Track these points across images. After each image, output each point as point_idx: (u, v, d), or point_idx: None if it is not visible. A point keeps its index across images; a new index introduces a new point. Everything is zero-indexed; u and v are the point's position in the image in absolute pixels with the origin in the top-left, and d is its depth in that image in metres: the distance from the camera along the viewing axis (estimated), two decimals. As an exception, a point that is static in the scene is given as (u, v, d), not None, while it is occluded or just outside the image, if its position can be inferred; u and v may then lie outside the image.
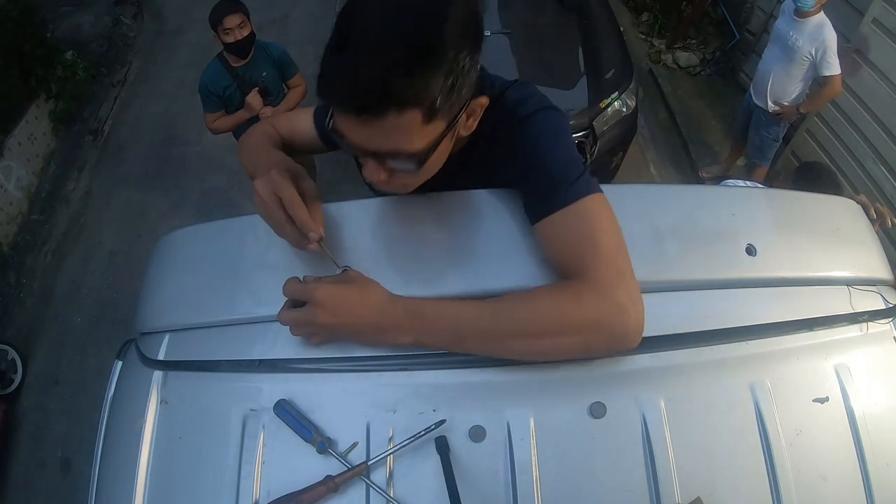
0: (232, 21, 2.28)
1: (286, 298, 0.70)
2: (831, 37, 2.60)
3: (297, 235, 0.70)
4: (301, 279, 0.70)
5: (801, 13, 2.62)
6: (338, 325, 0.68)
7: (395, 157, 0.64)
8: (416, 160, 0.65)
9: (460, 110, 0.65)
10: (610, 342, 0.66)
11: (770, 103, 2.95)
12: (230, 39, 2.31)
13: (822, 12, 2.62)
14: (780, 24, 2.80)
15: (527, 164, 0.71)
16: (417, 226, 0.78)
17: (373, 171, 0.67)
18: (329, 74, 0.60)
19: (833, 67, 2.65)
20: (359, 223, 0.78)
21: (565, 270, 0.68)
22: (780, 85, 2.87)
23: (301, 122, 0.93)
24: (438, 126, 0.63)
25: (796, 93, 2.87)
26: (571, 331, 0.64)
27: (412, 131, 0.61)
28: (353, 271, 0.71)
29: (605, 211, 0.68)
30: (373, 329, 0.68)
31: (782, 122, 3.05)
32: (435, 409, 0.69)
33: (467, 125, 0.70)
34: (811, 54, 2.66)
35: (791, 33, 2.69)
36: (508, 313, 0.65)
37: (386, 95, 0.57)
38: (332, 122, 0.65)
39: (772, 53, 2.88)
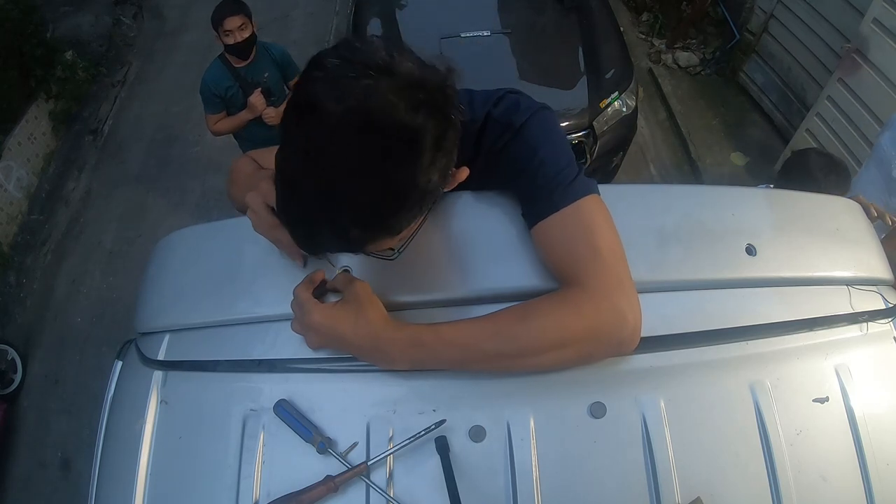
0: (232, 23, 2.26)
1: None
2: None
3: (291, 240, 0.69)
4: (307, 281, 0.70)
5: None
6: (331, 348, 0.69)
7: (370, 253, 0.64)
8: (393, 250, 0.65)
9: (435, 201, 0.61)
10: (608, 349, 0.66)
11: None
12: (230, 41, 2.30)
13: None
14: (885, 143, 2.09)
15: (523, 172, 0.71)
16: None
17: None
18: (282, 215, 0.56)
19: None
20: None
21: (563, 275, 0.68)
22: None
23: (272, 161, 0.89)
24: (413, 226, 0.61)
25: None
26: (572, 342, 0.63)
27: (382, 245, 0.60)
28: (357, 285, 0.68)
29: (601, 212, 0.68)
30: (364, 355, 0.67)
31: None
32: (435, 409, 0.69)
33: (447, 188, 0.64)
34: None
35: None
36: (510, 334, 0.63)
37: (345, 249, 0.55)
38: None
39: (869, 177, 2.16)
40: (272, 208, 0.68)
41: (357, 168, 0.49)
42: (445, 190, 0.64)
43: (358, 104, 0.48)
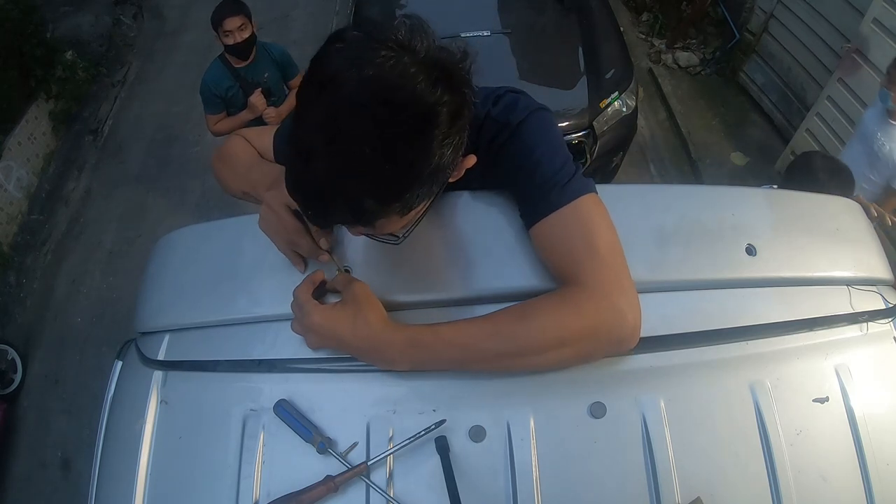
0: (232, 23, 2.26)
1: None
2: None
3: (311, 246, 0.70)
4: (307, 282, 0.70)
5: (894, 115, 2.13)
6: (330, 348, 0.69)
7: (375, 236, 0.64)
8: (398, 235, 0.64)
9: (444, 185, 0.61)
10: (608, 347, 0.66)
11: None
12: (230, 41, 2.30)
13: None
14: (868, 119, 2.30)
15: (520, 171, 0.71)
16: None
17: (354, 232, 0.66)
18: (293, 185, 0.56)
19: None
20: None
21: (562, 274, 0.68)
22: (858, 191, 2.15)
23: (266, 142, 0.87)
24: (418, 210, 0.61)
25: (874, 197, 2.24)
26: (572, 341, 0.63)
27: (388, 227, 0.60)
28: (357, 286, 0.69)
29: (598, 211, 0.68)
30: (364, 356, 0.68)
31: None
32: (435, 409, 0.69)
33: (455, 176, 0.64)
34: (894, 163, 2.16)
35: (879, 135, 2.20)
36: (509, 334, 0.63)
37: (356, 221, 0.55)
38: None
39: (853, 151, 2.34)
40: (295, 211, 0.69)
41: (375, 137, 0.49)
42: (452, 180, 0.64)
43: (377, 74, 0.49)
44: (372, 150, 0.49)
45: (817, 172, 1.78)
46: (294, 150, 0.54)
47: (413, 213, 0.60)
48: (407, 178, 0.53)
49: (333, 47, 0.53)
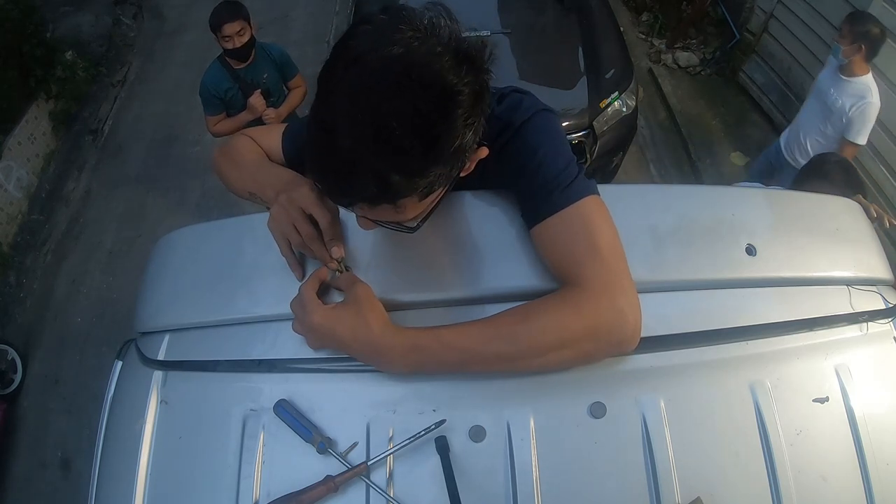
0: (231, 29, 2.25)
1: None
2: (873, 105, 2.30)
3: (323, 253, 0.70)
4: (314, 278, 0.71)
5: (845, 70, 2.33)
6: (330, 349, 0.69)
7: (389, 224, 0.64)
8: (411, 225, 0.65)
9: (460, 171, 0.62)
10: (609, 348, 0.66)
11: (799, 161, 2.54)
12: (229, 46, 2.29)
13: (869, 74, 2.33)
14: (822, 76, 2.49)
15: (522, 171, 0.71)
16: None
17: (365, 224, 0.66)
18: (316, 162, 0.56)
19: (860, 137, 2.34)
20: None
21: (563, 275, 0.68)
22: (813, 146, 2.51)
23: (272, 142, 0.87)
24: (436, 195, 0.61)
25: (827, 150, 2.42)
26: (572, 342, 0.63)
27: (408, 210, 0.60)
28: (359, 287, 0.68)
29: (600, 212, 0.68)
30: (363, 358, 0.67)
31: None
32: (435, 409, 0.69)
33: (465, 170, 0.65)
34: (847, 116, 2.33)
35: (832, 90, 2.39)
36: (510, 336, 0.63)
37: (380, 197, 0.54)
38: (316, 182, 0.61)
39: (810, 108, 2.56)
40: (309, 216, 0.69)
41: (403, 113, 0.50)
42: (463, 174, 0.64)
43: (405, 53, 0.51)
44: (400, 126, 0.50)
45: (830, 173, 1.82)
46: (318, 127, 0.54)
47: (431, 197, 0.60)
48: (432, 155, 0.53)
49: (360, 28, 0.54)
